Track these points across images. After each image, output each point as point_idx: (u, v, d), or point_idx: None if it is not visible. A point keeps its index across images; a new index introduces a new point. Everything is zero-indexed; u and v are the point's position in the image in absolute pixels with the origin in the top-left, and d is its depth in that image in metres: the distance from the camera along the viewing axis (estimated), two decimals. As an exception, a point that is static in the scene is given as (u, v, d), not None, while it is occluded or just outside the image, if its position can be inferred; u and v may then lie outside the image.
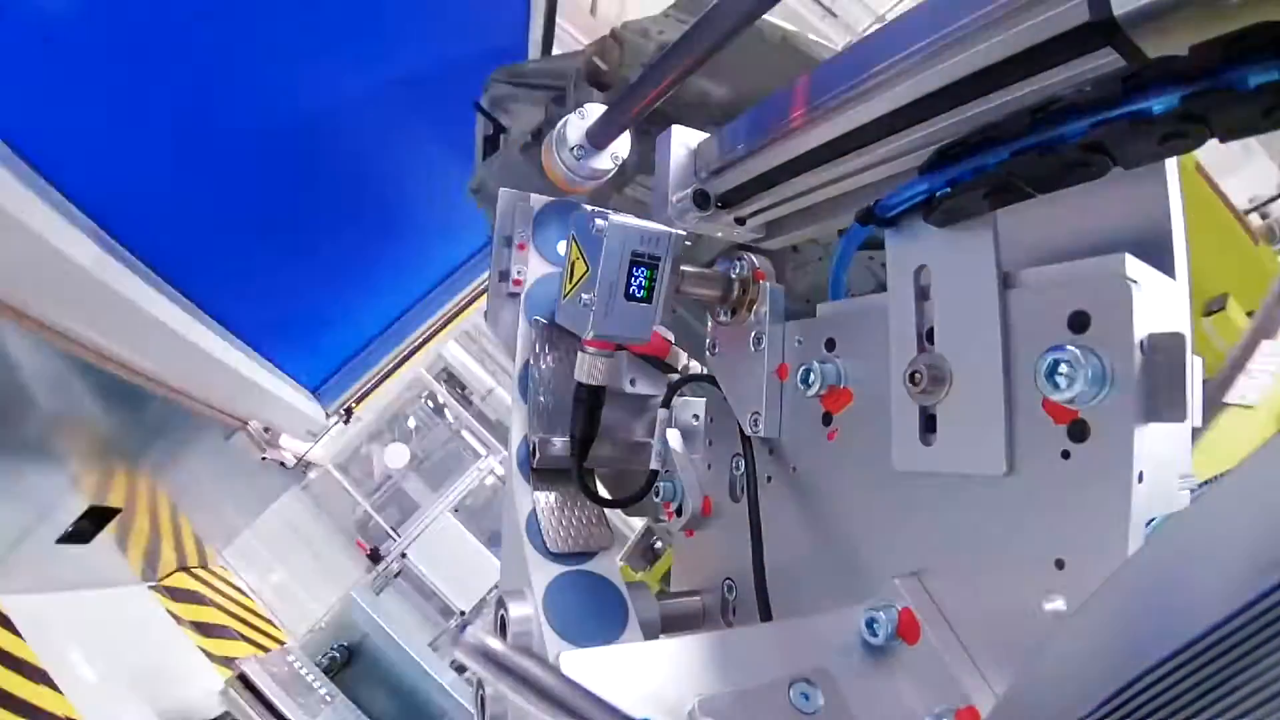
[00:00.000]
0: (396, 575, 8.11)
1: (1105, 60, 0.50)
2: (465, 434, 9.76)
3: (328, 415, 5.10)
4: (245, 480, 5.43)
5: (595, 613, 0.83)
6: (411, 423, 10.18)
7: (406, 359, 5.26)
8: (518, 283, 1.03)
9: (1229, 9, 0.44)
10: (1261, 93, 0.43)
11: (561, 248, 1.05)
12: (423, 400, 10.09)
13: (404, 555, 8.21)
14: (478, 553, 8.56)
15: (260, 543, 7.13)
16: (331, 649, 5.18)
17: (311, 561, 8.03)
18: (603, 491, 0.97)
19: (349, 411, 5.25)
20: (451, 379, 10.24)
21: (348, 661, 5.18)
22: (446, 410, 10.12)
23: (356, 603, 5.44)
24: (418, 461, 9.93)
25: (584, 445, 0.91)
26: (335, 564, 8.17)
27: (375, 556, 8.18)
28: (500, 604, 0.83)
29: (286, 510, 7.40)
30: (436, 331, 5.15)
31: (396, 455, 9.49)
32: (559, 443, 0.93)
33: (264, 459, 4.53)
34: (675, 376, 0.99)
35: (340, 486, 8.82)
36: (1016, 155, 0.56)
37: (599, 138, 0.97)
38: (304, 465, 5.42)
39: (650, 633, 0.89)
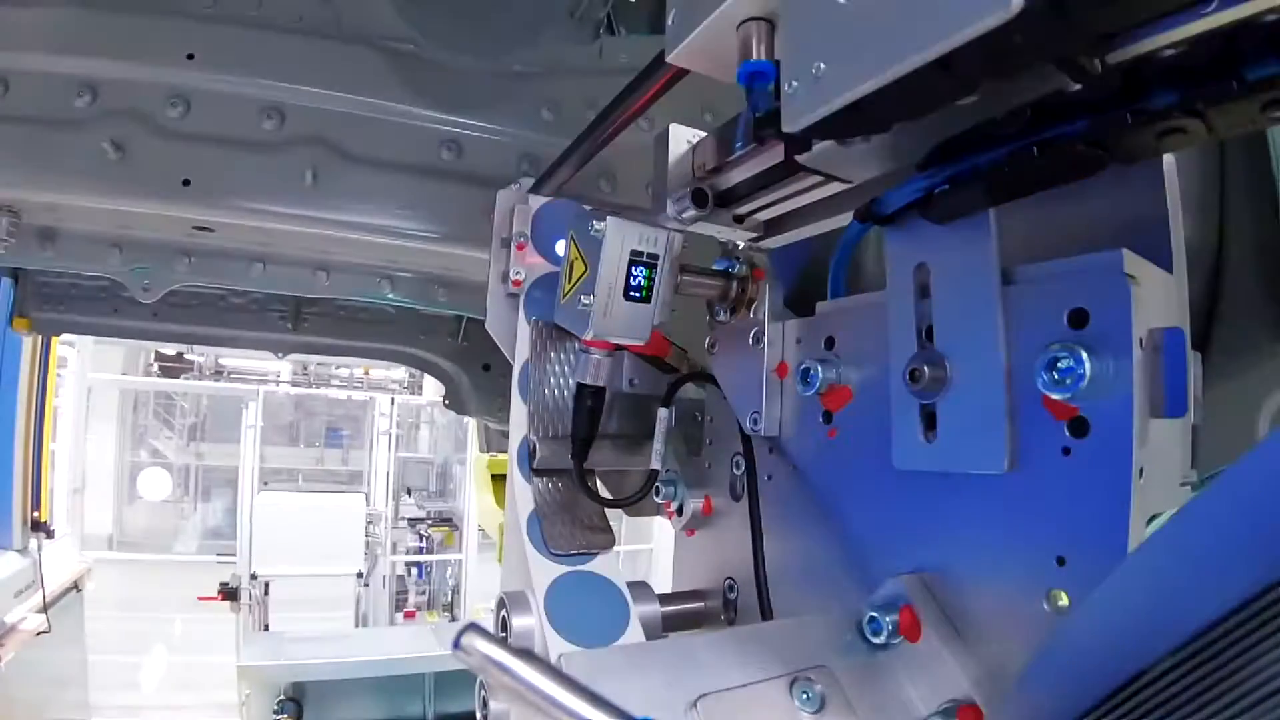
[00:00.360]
0: (267, 594, 7.38)
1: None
2: (222, 383, 9.04)
3: (22, 551, 4.02)
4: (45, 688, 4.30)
5: (597, 612, 0.83)
6: (162, 439, 9.38)
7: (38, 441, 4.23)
8: (517, 283, 1.03)
9: (1226, 3, 0.44)
10: (1259, 88, 0.43)
11: (560, 247, 1.05)
12: (154, 411, 9.33)
13: (254, 576, 7.38)
14: (317, 509, 7.91)
15: (124, 680, 6.34)
16: (275, 716, 4.57)
17: (181, 655, 7.28)
18: (603, 491, 0.97)
19: (39, 526, 4.11)
20: (167, 360, 9.31)
21: (300, 715, 4.65)
22: (179, 402, 9.33)
23: (257, 665, 4.79)
24: (194, 456, 9.11)
25: (584, 445, 0.91)
26: (200, 637, 7.44)
27: (232, 595, 7.34)
28: (502, 604, 0.83)
29: (104, 639, 6.18)
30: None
31: (156, 485, 8.57)
32: (559, 443, 0.93)
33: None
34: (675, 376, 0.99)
35: (128, 568, 7.80)
36: (1015, 152, 0.56)
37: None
38: (72, 591, 4.42)
39: (652, 632, 0.89)
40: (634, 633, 0.83)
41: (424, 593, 9.36)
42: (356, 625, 7.97)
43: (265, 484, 8.60)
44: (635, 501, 0.97)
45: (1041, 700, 0.46)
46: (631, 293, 0.80)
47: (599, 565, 0.87)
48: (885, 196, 0.68)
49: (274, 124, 1.41)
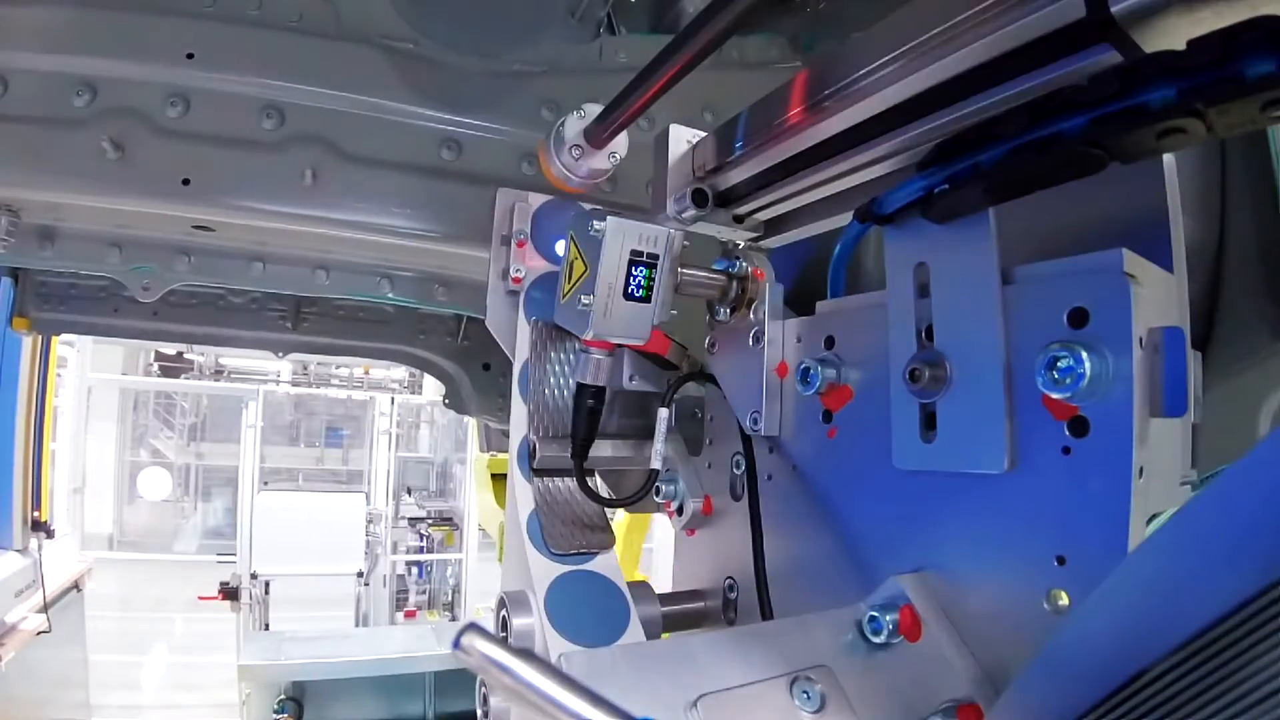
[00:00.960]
0: (267, 594, 7.37)
1: (1103, 56, 0.50)
2: (222, 383, 9.01)
3: (22, 551, 3.99)
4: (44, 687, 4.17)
5: (597, 612, 0.83)
6: (162, 439, 9.35)
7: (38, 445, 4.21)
8: (517, 280, 1.02)
9: (1226, 3, 0.44)
10: (1260, 86, 0.43)
11: (560, 247, 1.04)
12: (154, 411, 9.27)
13: (254, 576, 7.37)
14: (317, 509, 7.92)
15: (124, 679, 6.28)
16: (276, 716, 4.57)
17: (181, 655, 7.24)
18: (603, 490, 0.97)
19: (39, 525, 4.08)
20: (167, 360, 9.26)
21: (300, 714, 4.65)
22: (179, 401, 9.28)
23: (258, 665, 4.75)
24: (194, 455, 9.07)
25: (584, 445, 0.91)
26: (201, 636, 7.43)
27: (232, 595, 7.35)
28: (502, 604, 0.83)
29: (104, 639, 6.10)
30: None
31: (156, 485, 8.54)
32: (559, 443, 0.93)
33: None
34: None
35: (128, 567, 7.82)
36: (1015, 151, 0.56)
37: (596, 137, 0.97)
38: (73, 591, 4.38)
39: (652, 631, 0.89)
40: (634, 632, 0.83)
41: (424, 592, 9.35)
42: (357, 625, 7.96)
43: (265, 484, 8.59)
44: (635, 501, 0.97)
45: (1041, 700, 0.46)
46: (631, 292, 0.80)
47: (599, 565, 0.87)
48: (885, 196, 0.68)
49: (273, 123, 1.41)
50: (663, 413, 0.92)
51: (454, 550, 9.37)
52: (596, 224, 0.78)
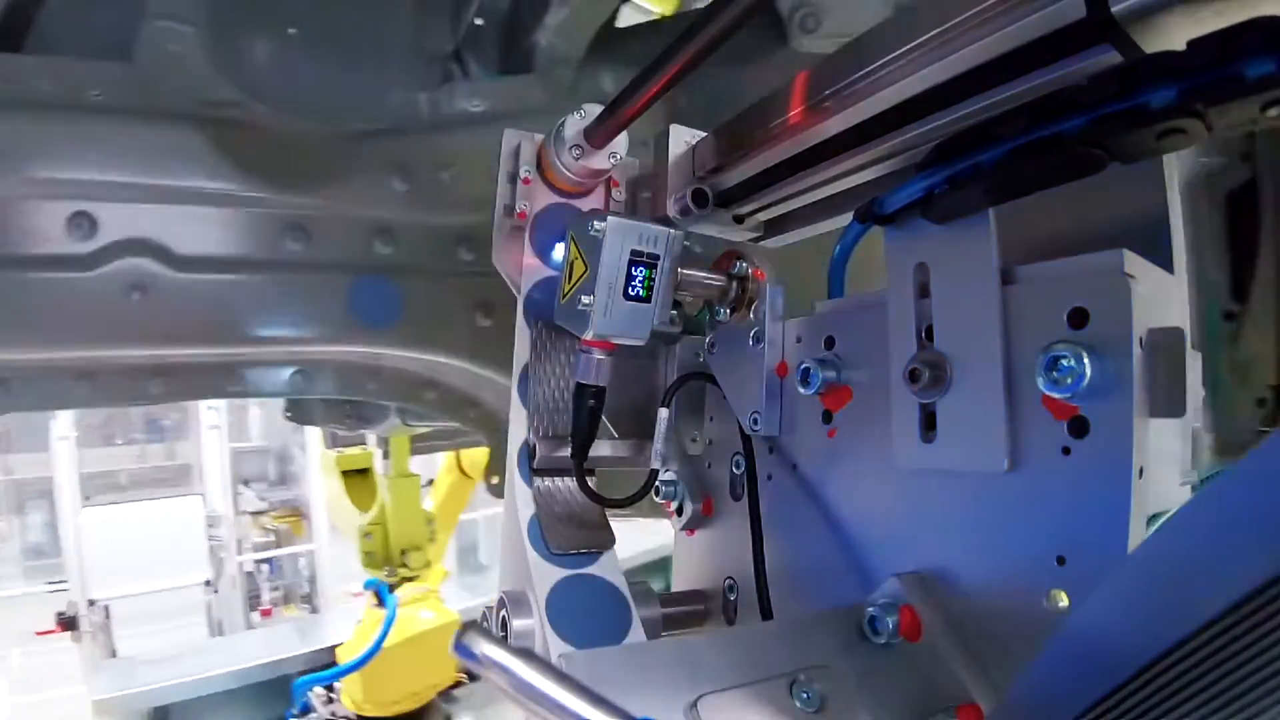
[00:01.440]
0: (108, 618, 6.79)
1: (1103, 56, 0.50)
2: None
3: None
4: None
5: (598, 616, 0.83)
6: None
7: None
8: (522, 215, 1.01)
9: (1226, 3, 0.44)
10: (1260, 86, 0.43)
11: (558, 251, 1.04)
12: None
13: (91, 602, 6.76)
14: (151, 520, 7.25)
15: None
16: None
17: (24, 694, 6.70)
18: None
19: None
20: None
21: None
22: None
23: (113, 697, 4.29)
24: (1, 470, 8.06)
25: (584, 445, 0.91)
26: (43, 670, 6.81)
27: (70, 625, 6.74)
28: (502, 604, 0.83)
29: None
30: None
31: None
32: (559, 442, 0.93)
33: None
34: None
35: None
36: (1015, 152, 0.56)
37: (596, 137, 0.97)
38: None
39: (652, 631, 0.89)
40: (635, 635, 0.83)
41: (278, 588, 8.69)
42: (211, 634, 7.47)
43: (88, 497, 7.72)
44: (635, 501, 0.97)
45: (1041, 700, 0.47)
46: (631, 293, 0.80)
47: (601, 569, 0.86)
48: (885, 196, 0.69)
49: (83, 233, 1.16)
50: (663, 413, 0.92)
51: (304, 541, 8.73)
52: (596, 224, 0.79)
